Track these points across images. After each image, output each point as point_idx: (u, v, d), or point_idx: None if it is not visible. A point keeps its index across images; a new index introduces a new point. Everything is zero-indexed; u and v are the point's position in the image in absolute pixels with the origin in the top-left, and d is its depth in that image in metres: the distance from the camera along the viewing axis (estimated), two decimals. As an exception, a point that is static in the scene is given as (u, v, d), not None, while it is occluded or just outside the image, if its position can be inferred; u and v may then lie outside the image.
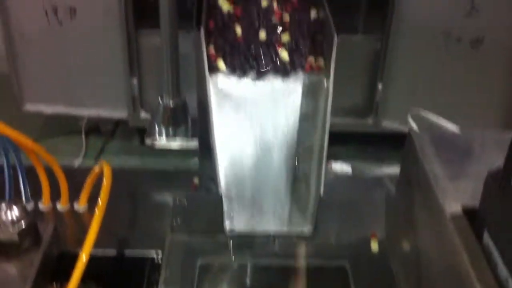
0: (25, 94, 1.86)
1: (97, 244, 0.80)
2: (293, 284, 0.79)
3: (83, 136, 2.05)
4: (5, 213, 0.73)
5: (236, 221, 0.66)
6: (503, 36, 1.66)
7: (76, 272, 0.72)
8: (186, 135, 1.02)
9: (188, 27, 1.10)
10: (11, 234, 0.73)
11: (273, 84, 0.74)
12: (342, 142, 1.96)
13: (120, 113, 1.88)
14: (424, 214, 0.65)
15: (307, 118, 0.72)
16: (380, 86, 1.81)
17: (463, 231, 0.56)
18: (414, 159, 0.67)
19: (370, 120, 1.89)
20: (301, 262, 0.76)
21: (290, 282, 0.79)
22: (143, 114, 1.87)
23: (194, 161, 1.63)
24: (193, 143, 1.00)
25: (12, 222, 0.73)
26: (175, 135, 1.03)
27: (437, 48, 1.71)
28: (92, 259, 0.77)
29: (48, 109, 1.88)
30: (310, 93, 0.74)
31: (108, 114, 1.90)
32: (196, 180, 0.95)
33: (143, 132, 2.06)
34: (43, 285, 0.75)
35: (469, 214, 0.57)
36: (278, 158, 0.70)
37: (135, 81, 1.82)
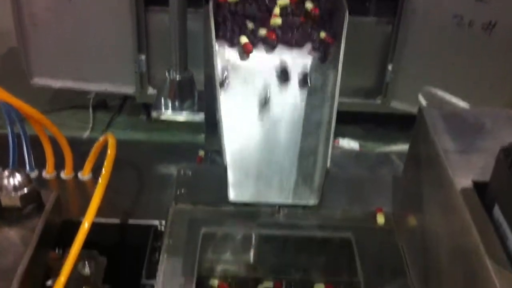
0: (33, 68, 1.86)
1: (101, 213, 0.80)
2: (296, 254, 0.79)
3: (91, 110, 2.05)
4: (8, 179, 0.72)
5: (240, 192, 0.65)
6: (516, 20, 1.63)
7: (78, 239, 0.71)
8: (192, 109, 1.01)
9: (196, 6, 1.09)
10: (13, 199, 0.72)
11: (281, 57, 0.73)
12: (351, 122, 1.96)
13: (127, 89, 1.88)
14: (434, 189, 0.64)
15: (315, 92, 0.70)
16: (390, 67, 1.79)
17: (473, 206, 0.54)
18: (424, 134, 0.66)
19: (379, 101, 1.88)
20: (305, 233, 0.75)
21: (294, 253, 0.79)
22: (151, 90, 1.86)
23: (201, 137, 1.62)
24: (199, 117, 0.99)
25: (15, 188, 0.72)
26: (181, 108, 1.02)
27: (448, 31, 1.69)
28: (95, 228, 0.77)
29: (56, 83, 1.88)
30: (319, 67, 0.72)
31: (115, 89, 1.89)
32: (201, 153, 0.95)
33: (150, 107, 2.07)
34: (45, 252, 0.75)
35: (480, 188, 0.56)
36: (285, 131, 0.68)
37: (143, 57, 1.81)
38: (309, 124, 0.68)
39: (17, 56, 1.91)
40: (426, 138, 0.65)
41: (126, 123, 2.10)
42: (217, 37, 0.71)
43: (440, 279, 0.61)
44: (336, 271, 0.81)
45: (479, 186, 0.56)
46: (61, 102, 2.07)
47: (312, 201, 0.66)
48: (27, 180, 0.74)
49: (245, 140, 0.67)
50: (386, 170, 0.89)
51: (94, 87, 1.91)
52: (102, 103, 2.15)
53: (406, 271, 0.70)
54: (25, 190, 0.73)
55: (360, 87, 1.86)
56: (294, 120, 0.68)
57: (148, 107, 2.04)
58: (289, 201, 0.66)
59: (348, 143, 1.00)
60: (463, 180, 0.57)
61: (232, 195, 0.65)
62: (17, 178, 0.73)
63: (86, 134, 1.96)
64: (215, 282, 0.82)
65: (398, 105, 1.84)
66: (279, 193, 0.66)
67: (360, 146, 1.03)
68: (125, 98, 2.16)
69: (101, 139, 0.85)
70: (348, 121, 1.92)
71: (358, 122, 1.97)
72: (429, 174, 0.66)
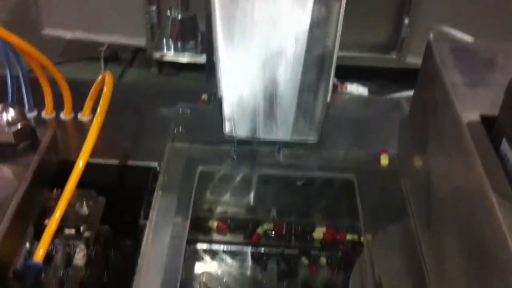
0: (44, 18, 1.83)
1: (102, 154, 0.80)
2: (296, 196, 0.76)
3: (102, 62, 2.03)
4: (1, 114, 0.71)
5: (236, 126, 0.62)
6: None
7: (72, 178, 0.70)
8: (195, 50, 0.98)
9: None
10: (7, 135, 0.71)
11: None
12: (363, 77, 1.91)
13: (138, 41, 1.85)
14: (440, 125, 0.61)
15: (318, 24, 0.67)
16: (406, 21, 1.74)
17: (480, 139, 0.51)
18: (432, 68, 0.62)
19: (394, 56, 1.83)
20: (305, 174, 0.72)
21: (294, 194, 0.76)
22: (162, 43, 1.83)
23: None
24: (202, 58, 0.96)
25: (8, 123, 0.71)
26: (184, 49, 0.98)
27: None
28: (94, 168, 0.76)
29: (67, 34, 1.85)
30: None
31: (127, 41, 1.87)
32: (204, 96, 0.92)
33: (162, 60, 2.04)
34: (40, 189, 0.73)
35: (488, 123, 0.53)
36: (285, 65, 0.65)
37: (153, 8, 1.77)
38: (311, 58, 0.64)
39: (28, 6, 1.89)
40: (433, 72, 0.61)
41: (137, 76, 2.07)
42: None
43: (443, 220, 0.58)
44: (338, 214, 0.79)
45: (487, 121, 0.53)
46: (73, 54, 2.05)
47: (312, 138, 0.63)
48: (21, 115, 0.72)
49: (243, 74, 0.64)
50: (395, 116, 0.85)
51: (104, 38, 1.89)
52: (113, 55, 2.13)
53: (409, 213, 0.68)
54: (19, 125, 0.71)
55: (375, 42, 1.81)
56: (295, 54, 0.65)
57: (159, 60, 2.01)
58: (288, 138, 0.64)
59: (357, 89, 0.96)
60: (470, 115, 0.54)
61: (228, 130, 0.62)
62: (10, 114, 0.71)
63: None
64: (214, 223, 0.80)
65: (414, 60, 1.79)
66: (277, 129, 0.63)
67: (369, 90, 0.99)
68: (136, 50, 2.13)
69: (100, 78, 0.83)
70: (361, 76, 1.88)
71: (371, 77, 1.93)
72: (435, 110, 0.62)
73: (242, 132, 0.63)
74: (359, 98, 0.94)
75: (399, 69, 1.97)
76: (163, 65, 1.79)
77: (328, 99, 0.60)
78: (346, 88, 0.96)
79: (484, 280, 0.48)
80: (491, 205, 0.47)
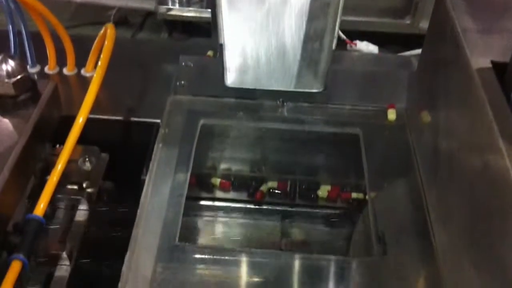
0: (53, -19, 1.81)
1: (105, 110, 0.80)
2: (300, 153, 0.74)
3: (112, 27, 1.99)
4: (0, 65, 0.69)
5: (238, 77, 0.60)
6: None
7: (73, 130, 0.69)
8: (200, 5, 0.95)
9: None
10: (7, 86, 0.69)
11: None
12: (375, 43, 1.87)
13: (148, 4, 1.82)
14: (449, 74, 0.58)
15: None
16: (420, -17, 1.69)
17: (490, 86, 0.49)
18: (443, 14, 0.59)
19: (407, 21, 1.78)
20: (309, 128, 0.70)
21: (298, 151, 0.74)
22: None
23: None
24: (207, 13, 0.94)
25: (8, 74, 0.69)
26: (189, 4, 0.96)
27: None
28: (97, 125, 0.76)
29: (76, -4, 1.83)
30: None
31: (136, 4, 1.84)
32: (209, 53, 0.90)
33: (172, 25, 2.01)
34: (40, 142, 0.72)
35: (499, 70, 0.50)
36: (289, 13, 0.62)
37: (163, -31, 1.74)
38: (316, 5, 0.62)
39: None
40: (444, 17, 0.59)
41: (147, 41, 2.04)
42: None
43: (451, 173, 0.56)
44: (343, 172, 0.77)
45: (498, 68, 0.51)
46: (82, 18, 2.03)
47: (316, 88, 0.61)
48: (21, 66, 0.71)
49: (246, 21, 0.61)
50: (404, 72, 0.82)
51: (114, 1, 1.86)
52: (123, 19, 2.10)
53: (416, 169, 0.66)
54: (19, 76, 0.70)
55: (388, 6, 1.76)
56: (300, 2, 0.62)
57: (169, 24, 1.98)
58: (292, 87, 0.61)
59: (367, 46, 0.94)
60: (481, 60, 0.51)
61: (230, 80, 0.60)
62: (10, 65, 0.70)
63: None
64: (216, 180, 0.79)
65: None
66: (281, 79, 0.61)
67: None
68: (146, 14, 2.10)
69: (102, 31, 0.81)
70: (373, 43, 1.84)
71: (383, 43, 1.88)
72: (445, 58, 0.60)
73: (244, 82, 0.61)
74: (368, 55, 0.91)
75: (412, 35, 1.91)
76: (173, 29, 1.76)
77: (334, 46, 0.57)
78: (355, 45, 0.94)
79: (491, 233, 0.47)
80: (501, 155, 0.45)
